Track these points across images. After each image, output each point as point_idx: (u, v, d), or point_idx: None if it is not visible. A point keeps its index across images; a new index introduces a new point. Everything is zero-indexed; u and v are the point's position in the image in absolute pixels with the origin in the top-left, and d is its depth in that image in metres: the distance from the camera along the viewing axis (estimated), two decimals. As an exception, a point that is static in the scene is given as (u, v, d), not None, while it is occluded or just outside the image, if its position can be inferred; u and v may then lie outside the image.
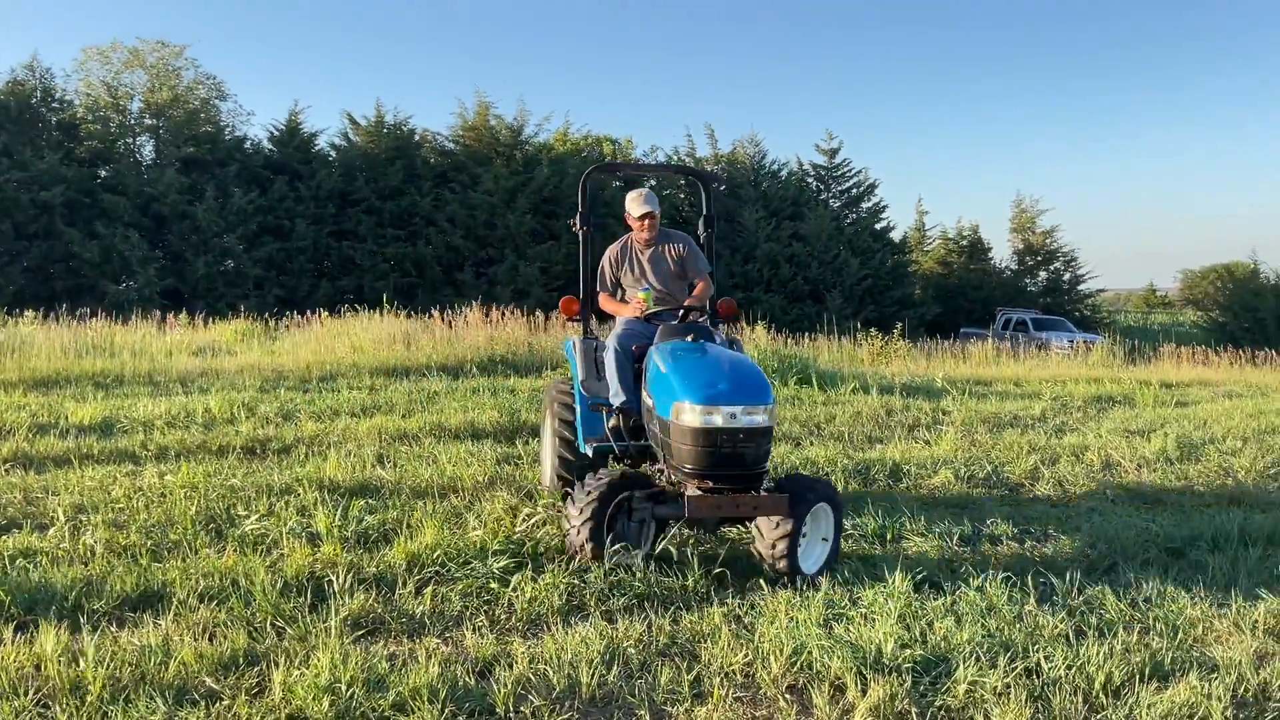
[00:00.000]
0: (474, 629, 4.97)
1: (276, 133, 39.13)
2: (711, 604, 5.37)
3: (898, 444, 10.26)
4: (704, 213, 7.84)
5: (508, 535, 6.19)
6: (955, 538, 6.67)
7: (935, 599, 5.47)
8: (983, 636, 4.86)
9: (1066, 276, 48.41)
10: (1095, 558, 6.36)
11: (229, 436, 9.53)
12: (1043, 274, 48.94)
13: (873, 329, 22.32)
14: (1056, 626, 5.08)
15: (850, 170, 45.56)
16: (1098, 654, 4.63)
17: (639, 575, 5.59)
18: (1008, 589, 5.60)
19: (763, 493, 5.65)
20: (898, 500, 7.81)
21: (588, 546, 5.74)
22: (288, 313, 21.64)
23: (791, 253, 40.13)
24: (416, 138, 40.26)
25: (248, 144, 38.83)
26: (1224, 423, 12.46)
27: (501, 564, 5.72)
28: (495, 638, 4.87)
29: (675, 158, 44.19)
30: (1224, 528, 6.79)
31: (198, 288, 33.99)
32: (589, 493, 5.76)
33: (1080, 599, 5.63)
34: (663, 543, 6.04)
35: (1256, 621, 5.23)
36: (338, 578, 5.41)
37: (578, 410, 6.97)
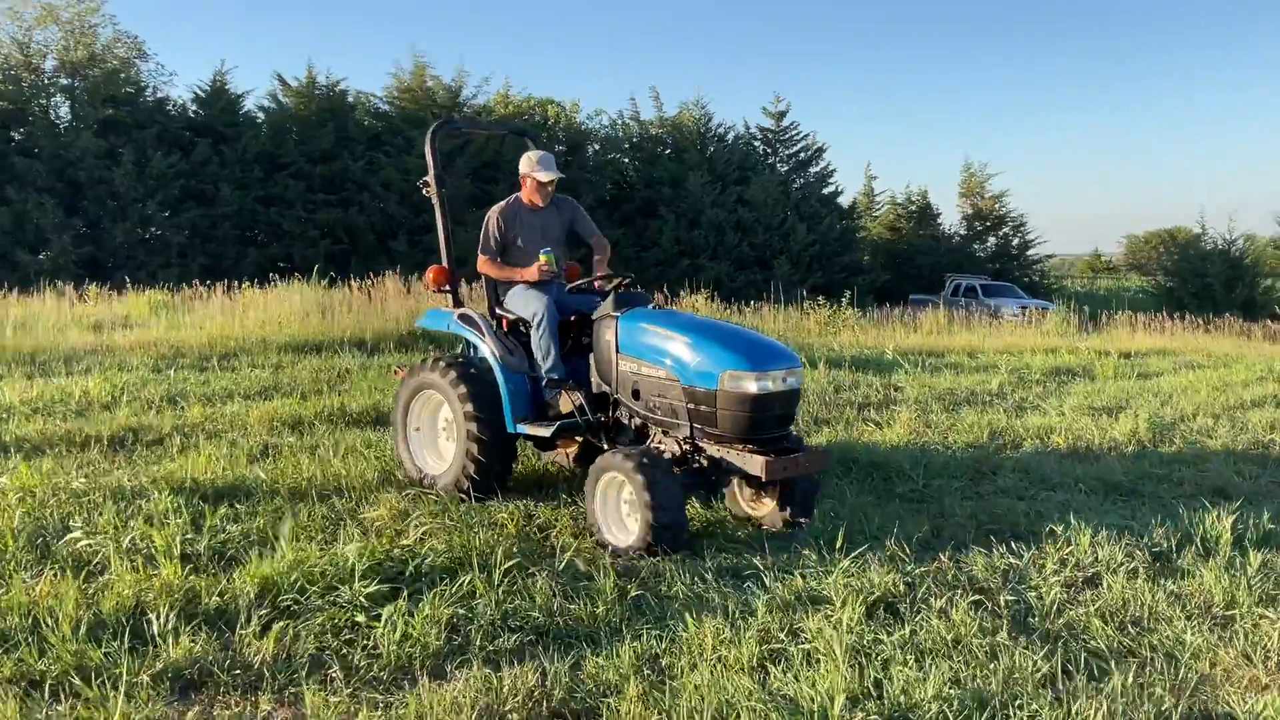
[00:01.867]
0: (323, 683, 3.99)
1: (201, 94, 37.28)
2: (624, 638, 4.43)
3: (846, 426, 9.39)
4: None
5: (386, 551, 5.19)
6: (913, 541, 5.78)
7: (891, 629, 4.57)
8: (951, 685, 3.96)
9: (1015, 242, 47.98)
10: (1072, 566, 5.50)
11: (99, 425, 8.41)
12: (991, 239, 48.46)
13: (820, 297, 21.45)
14: (1037, 666, 4.20)
15: (798, 134, 44.65)
16: (1094, 712, 3.75)
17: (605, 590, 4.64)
18: (977, 614, 4.72)
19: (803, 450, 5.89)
20: (846, 495, 6.92)
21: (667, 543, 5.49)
22: (210, 283, 20.30)
23: (738, 218, 39.14)
24: (350, 99, 38.60)
25: (170, 106, 36.95)
26: (1191, 397, 11.75)
27: (372, 589, 4.73)
28: (348, 695, 3.89)
29: (620, 121, 43.05)
30: (1213, 528, 5.96)
31: (117, 256, 32.26)
32: (664, 486, 5.48)
33: (1060, 622, 4.77)
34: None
35: (1270, 652, 4.39)
36: (159, 614, 4.39)
37: (503, 390, 6.37)
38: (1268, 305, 41.07)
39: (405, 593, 4.78)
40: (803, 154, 44.69)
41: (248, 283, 19.42)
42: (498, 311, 6.79)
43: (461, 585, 4.83)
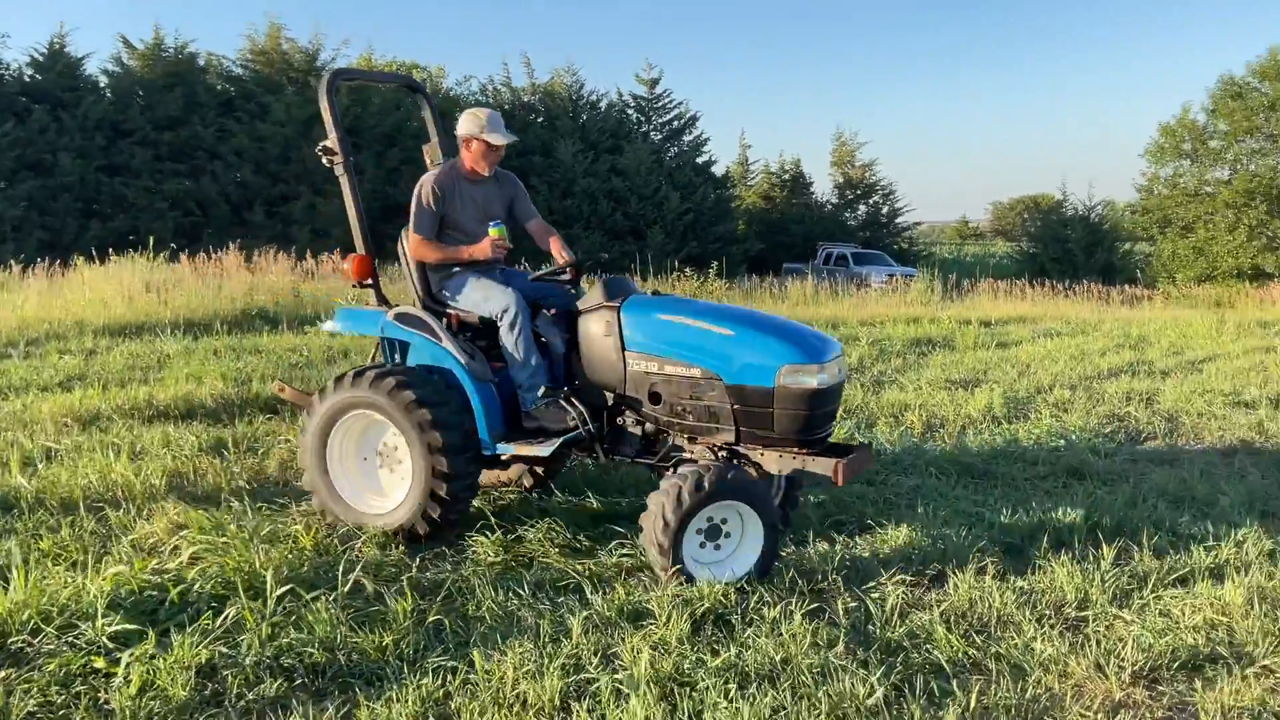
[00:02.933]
0: (30, 757, 3.31)
1: (38, 57, 34.83)
2: (413, 674, 3.85)
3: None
4: (431, 138, 6.25)
5: (145, 578, 4.48)
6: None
7: (719, 647, 4.09)
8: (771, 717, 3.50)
9: (885, 210, 48.58)
10: (918, 563, 5.12)
11: None
12: (862, 208, 48.97)
13: (690, 268, 21.07)
14: (872, 688, 3.76)
15: (671, 102, 44.11)
16: (930, 749, 3.32)
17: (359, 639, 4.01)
18: (812, 624, 4.28)
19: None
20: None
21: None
22: (47, 259, 18.81)
23: (611, 188, 38.51)
24: (200, 62, 36.61)
25: (3, 70, 34.44)
26: (1049, 368, 11.65)
27: (118, 627, 4.03)
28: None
29: (490, 88, 41.83)
30: (1067, 516, 5.67)
31: (-55, 232, 30.03)
32: (761, 498, 4.87)
33: (902, 629, 4.37)
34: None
35: (1124, 661, 4.05)
36: None
37: (477, 405, 5.33)
38: (1125, 269, 42.48)
39: (161, 629, 4.09)
40: (676, 123, 44.21)
41: (83, 258, 18.07)
42: (434, 307, 5.64)
43: (227, 618, 4.17)
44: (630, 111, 43.55)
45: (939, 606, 4.58)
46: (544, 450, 5.26)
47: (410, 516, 5.23)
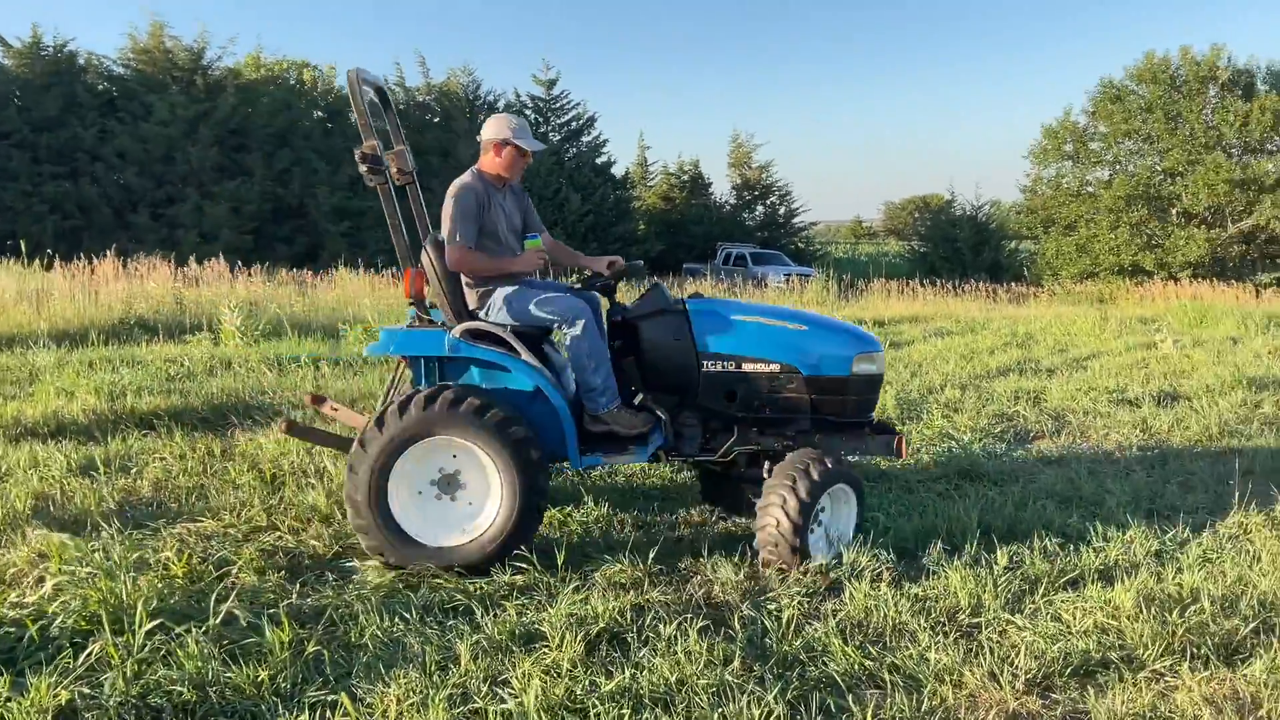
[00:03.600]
0: None
1: (-98, 54, 33.21)
2: (290, 710, 3.65)
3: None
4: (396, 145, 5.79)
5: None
6: (648, 557, 5.22)
7: (613, 669, 3.98)
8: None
9: (782, 210, 49.22)
10: (815, 572, 5.07)
11: None
12: (760, 208, 49.52)
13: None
14: (768, 707, 3.69)
15: (569, 103, 44.04)
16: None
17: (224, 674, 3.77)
18: (708, 640, 4.19)
19: None
20: (582, 494, 6.33)
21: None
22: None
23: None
24: (80, 62, 35.27)
25: None
26: (939, 367, 11.84)
27: (-35, 672, 3.74)
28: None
29: (385, 88, 40.95)
30: (960, 519, 5.69)
31: None
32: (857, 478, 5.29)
33: (799, 642, 4.30)
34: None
35: (1018, 669, 4.04)
36: None
37: (567, 421, 5.19)
38: (1012, 267, 43.74)
39: (17, 670, 3.82)
40: (574, 124, 44.11)
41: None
42: (474, 322, 5.34)
43: (90, 655, 3.90)
44: (528, 112, 43.26)
45: (835, 617, 4.53)
46: (640, 458, 5.34)
47: (490, 546, 4.97)
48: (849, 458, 5.74)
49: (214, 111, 34.00)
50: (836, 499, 5.26)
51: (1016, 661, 4.09)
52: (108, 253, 16.90)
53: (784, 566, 5.01)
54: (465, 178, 5.41)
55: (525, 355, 5.20)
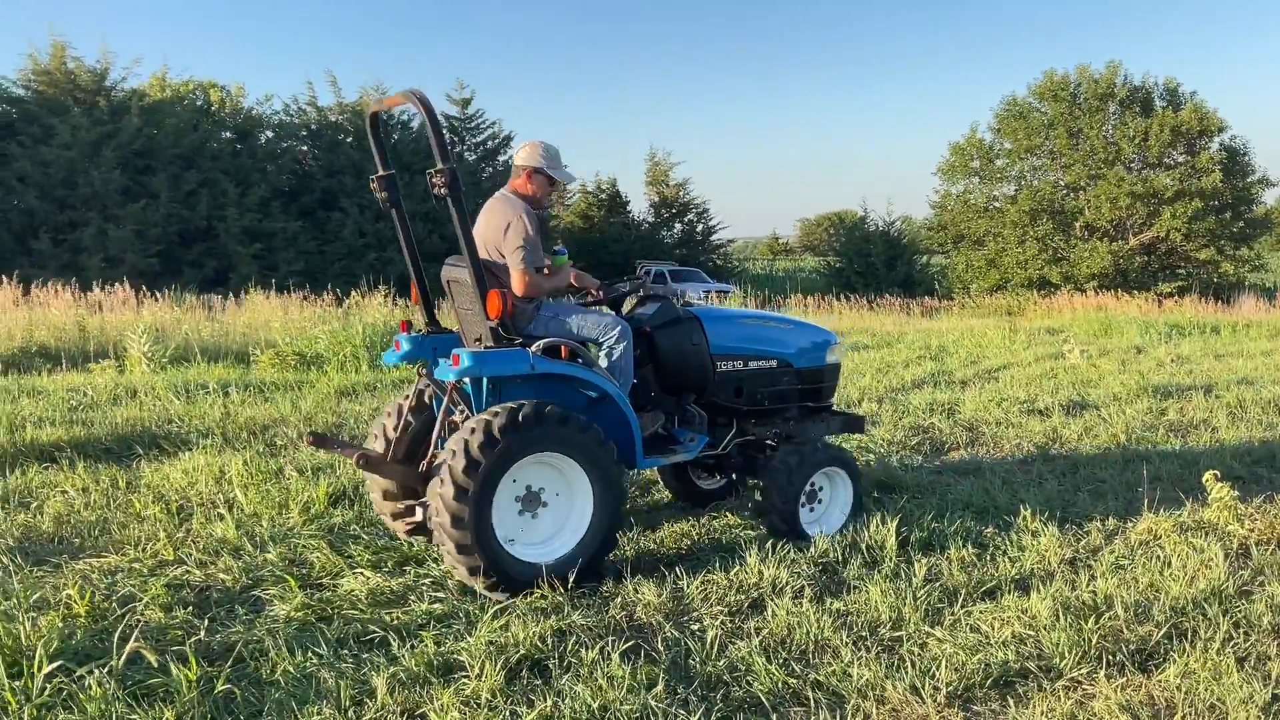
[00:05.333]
0: None
1: None
2: (199, 753, 3.51)
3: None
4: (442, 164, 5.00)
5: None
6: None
7: (535, 697, 3.90)
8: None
9: (700, 228, 49.58)
10: (739, 589, 5.06)
11: None
12: (678, 226, 49.80)
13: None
14: (693, 731, 3.65)
15: (485, 122, 43.82)
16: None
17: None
18: (629, 665, 4.14)
19: None
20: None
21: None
22: None
23: (427, 209, 37.84)
24: (-21, 84, 34.09)
25: None
26: (857, 381, 11.97)
27: None
28: None
29: (295, 106, 40.37)
30: (878, 531, 5.73)
31: None
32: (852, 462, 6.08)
33: (723, 662, 4.27)
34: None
35: (939, 682, 4.06)
36: None
37: (635, 428, 5.47)
38: (924, 281, 44.61)
39: (-99, 722, 3.62)
40: (490, 143, 43.94)
41: None
42: (513, 339, 5.28)
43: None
44: (445, 132, 42.93)
45: (758, 635, 4.52)
46: (688, 454, 5.75)
47: (577, 556, 5.07)
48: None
49: (118, 133, 33.07)
50: (827, 484, 6.01)
51: (938, 674, 4.11)
52: (7, 279, 16.29)
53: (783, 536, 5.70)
54: (514, 199, 5.53)
55: (599, 368, 5.43)
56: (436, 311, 5.95)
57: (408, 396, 5.73)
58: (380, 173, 5.56)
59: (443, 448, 5.06)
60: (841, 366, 6.62)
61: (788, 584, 5.07)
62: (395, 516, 5.64)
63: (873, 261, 44.29)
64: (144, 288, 18.06)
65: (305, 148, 39.95)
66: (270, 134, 39.97)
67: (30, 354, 12.50)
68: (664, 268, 38.37)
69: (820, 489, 6.00)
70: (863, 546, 5.62)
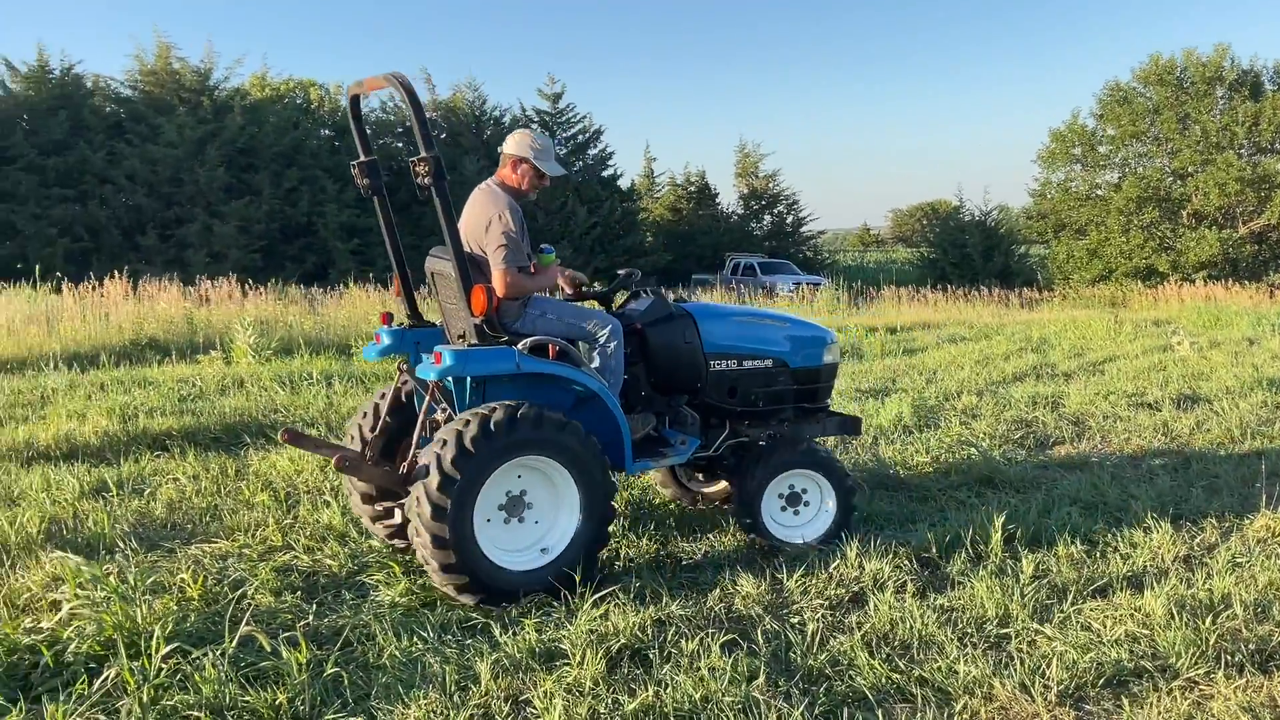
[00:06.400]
0: None
1: (-88, 81, 33.34)
2: (308, 735, 3.59)
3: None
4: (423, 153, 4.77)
5: (12, 641, 4.11)
6: (670, 573, 5.15)
7: (636, 686, 3.90)
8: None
9: (790, 219, 49.16)
10: (839, 583, 4.99)
11: None
12: (767, 218, 49.47)
13: (597, 282, 20.91)
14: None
15: (575, 115, 44.04)
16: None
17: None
18: (732, 657, 4.11)
19: None
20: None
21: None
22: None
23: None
24: (87, 84, 35.41)
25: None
26: (954, 374, 11.75)
27: (-25, 700, 3.68)
28: None
29: (391, 104, 41.12)
30: (983, 527, 5.60)
31: None
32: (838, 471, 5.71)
33: (824, 656, 4.23)
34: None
35: (1049, 681, 3.96)
36: None
37: (625, 430, 5.17)
38: (1022, 272, 43.55)
39: (34, 696, 3.77)
40: (580, 136, 44.14)
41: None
42: (501, 338, 5.09)
43: (106, 680, 3.85)
44: (534, 126, 43.29)
45: (860, 630, 4.46)
46: (681, 457, 5.48)
47: (570, 561, 4.84)
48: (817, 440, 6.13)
49: (221, 132, 34.08)
50: (814, 489, 5.71)
51: (1048, 672, 4.01)
52: (118, 274, 16.89)
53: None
54: (499, 191, 5.25)
55: (588, 367, 5.19)
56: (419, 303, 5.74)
57: (384, 395, 5.54)
58: (362, 158, 5.37)
59: (424, 448, 4.82)
60: (838, 367, 6.31)
61: (889, 579, 5.00)
62: (374, 519, 5.44)
63: (968, 252, 43.39)
64: (247, 282, 18.54)
65: (400, 145, 40.65)
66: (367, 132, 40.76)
67: (141, 346, 12.94)
68: (753, 260, 38.13)
69: (805, 493, 5.68)
70: (966, 542, 5.51)
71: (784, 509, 5.65)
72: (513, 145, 5.33)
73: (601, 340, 5.31)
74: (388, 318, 5.69)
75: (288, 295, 19.09)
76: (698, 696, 3.80)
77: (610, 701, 3.79)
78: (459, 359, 4.79)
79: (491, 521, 4.82)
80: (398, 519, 5.16)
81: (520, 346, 4.96)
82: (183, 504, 6.41)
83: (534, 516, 4.95)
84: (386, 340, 5.55)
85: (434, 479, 4.54)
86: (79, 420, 8.45)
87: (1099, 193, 42.68)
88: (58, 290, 17.21)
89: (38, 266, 19.99)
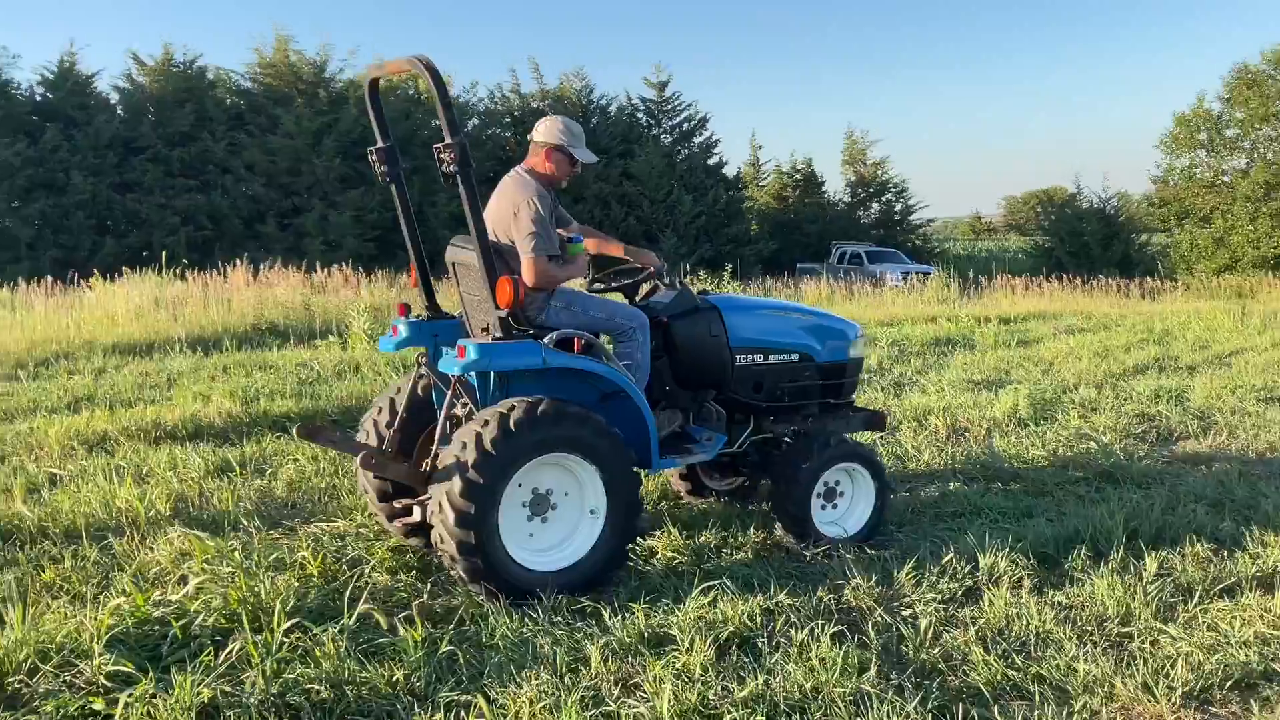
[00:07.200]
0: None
1: (48, 76, 34.85)
2: (425, 710, 3.67)
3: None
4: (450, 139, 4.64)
5: (143, 613, 4.29)
6: (778, 563, 5.12)
7: (745, 675, 3.89)
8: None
9: (898, 207, 48.21)
10: (952, 577, 4.90)
11: None
12: (875, 205, 48.61)
13: (701, 271, 20.88)
14: (911, 717, 3.56)
15: (681, 104, 43.84)
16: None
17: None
18: (842, 648, 4.06)
19: None
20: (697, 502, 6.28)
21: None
22: (59, 278, 18.78)
23: (623, 192, 38.39)
24: (209, 77, 36.62)
25: (14, 89, 34.49)
26: (1072, 366, 11.41)
27: (115, 666, 3.85)
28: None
29: (499, 94, 41.65)
30: (1104, 523, 5.43)
31: (-41, 253, 30.09)
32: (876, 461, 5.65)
33: (938, 650, 4.15)
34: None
35: (1173, 681, 3.82)
36: None
37: (652, 426, 5.03)
38: (1143, 262, 42.03)
39: (162, 666, 3.92)
40: (686, 125, 43.96)
41: (95, 276, 17.99)
42: (527, 330, 4.99)
43: (231, 653, 3.99)
44: (640, 115, 43.32)
45: (974, 625, 4.37)
46: (707, 454, 5.37)
47: (594, 565, 4.75)
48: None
49: (337, 123, 34.89)
50: (848, 481, 5.58)
51: (1172, 673, 3.88)
52: (239, 261, 17.46)
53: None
54: (527, 178, 5.13)
55: (614, 361, 5.03)
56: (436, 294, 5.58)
57: (399, 389, 5.41)
58: (379, 144, 5.27)
59: (447, 444, 4.72)
60: (863, 362, 6.20)
61: (1005, 574, 4.89)
62: (391, 517, 5.28)
63: (1086, 241, 42.03)
64: (362, 269, 19.00)
65: (509, 134, 41.10)
66: (476, 121, 41.30)
67: (261, 331, 13.37)
68: (860, 248, 37.57)
69: (839, 487, 5.56)
70: (1086, 538, 5.35)
71: (823, 506, 5.51)
72: (543, 133, 5.21)
73: (627, 335, 5.20)
74: (405, 309, 5.57)
75: (401, 283, 19.50)
76: (808, 686, 3.77)
77: (720, 689, 3.78)
78: (483, 353, 4.65)
79: (517, 521, 4.70)
80: (416, 516, 4.99)
81: (546, 340, 4.82)
82: (302, 484, 6.60)
83: (558, 518, 4.81)
84: (404, 332, 5.37)
85: (455, 484, 4.42)
86: (203, 402, 8.77)
87: (1225, 179, 40.94)
88: (182, 277, 17.88)
89: (163, 254, 20.78)
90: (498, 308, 4.71)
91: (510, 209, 5.02)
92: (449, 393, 5.00)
